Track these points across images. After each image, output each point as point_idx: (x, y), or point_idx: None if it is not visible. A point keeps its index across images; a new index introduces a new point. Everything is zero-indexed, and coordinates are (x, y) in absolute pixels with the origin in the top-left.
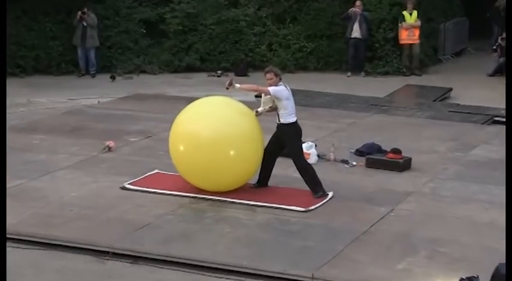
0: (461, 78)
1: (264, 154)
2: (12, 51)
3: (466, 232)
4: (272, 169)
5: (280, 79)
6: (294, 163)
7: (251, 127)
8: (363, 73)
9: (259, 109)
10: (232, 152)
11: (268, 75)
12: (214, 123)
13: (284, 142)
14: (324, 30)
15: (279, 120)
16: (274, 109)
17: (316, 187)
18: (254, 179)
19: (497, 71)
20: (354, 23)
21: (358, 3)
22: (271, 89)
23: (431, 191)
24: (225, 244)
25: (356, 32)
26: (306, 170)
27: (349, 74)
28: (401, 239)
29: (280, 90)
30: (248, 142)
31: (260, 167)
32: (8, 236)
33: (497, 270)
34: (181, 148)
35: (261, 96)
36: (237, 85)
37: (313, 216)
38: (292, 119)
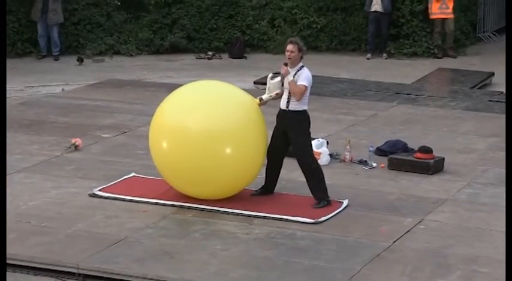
0: (505, 60)
1: (268, 152)
2: None
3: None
4: (279, 171)
5: (302, 57)
6: (299, 160)
7: (253, 119)
8: (385, 55)
9: (264, 96)
10: (228, 150)
11: (290, 47)
12: (206, 114)
13: (289, 133)
14: (339, 2)
15: (288, 107)
16: (280, 96)
17: (321, 194)
18: (255, 185)
19: None
20: None
21: None
22: (305, 82)
23: (468, 198)
24: (216, 264)
25: (377, 5)
26: (314, 172)
27: (368, 55)
28: (432, 257)
29: (310, 77)
30: (249, 137)
31: (266, 169)
32: None
33: None
34: (165, 144)
35: (266, 83)
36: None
37: (324, 229)
38: (306, 107)
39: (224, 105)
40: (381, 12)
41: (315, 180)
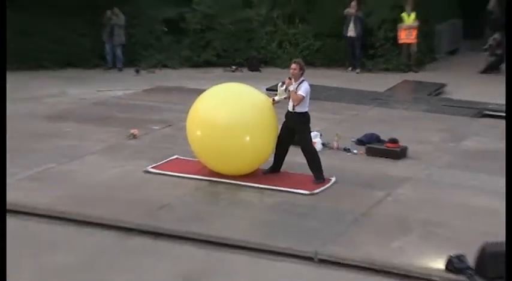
0: (455, 74)
1: (278, 141)
2: (41, 46)
3: (458, 215)
4: (285, 156)
5: (303, 74)
6: (303, 149)
7: (267, 114)
8: (358, 70)
9: (276, 97)
10: (247, 138)
11: (293, 66)
12: (230, 110)
13: (295, 129)
14: (330, 30)
15: (293, 109)
16: (288, 99)
17: (318, 173)
18: (266, 165)
19: (487, 68)
20: (349, 23)
21: (352, 4)
22: (303, 93)
23: (426, 177)
24: (237, 224)
25: (351, 31)
26: (313, 156)
27: (348, 69)
28: (397, 221)
29: (307, 88)
30: (263, 128)
31: (274, 154)
32: (40, 213)
33: (482, 249)
34: (198, 132)
35: (276, 90)
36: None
37: (318, 199)
38: (307, 109)
39: (245, 103)
40: (354, 37)
41: (314, 162)
